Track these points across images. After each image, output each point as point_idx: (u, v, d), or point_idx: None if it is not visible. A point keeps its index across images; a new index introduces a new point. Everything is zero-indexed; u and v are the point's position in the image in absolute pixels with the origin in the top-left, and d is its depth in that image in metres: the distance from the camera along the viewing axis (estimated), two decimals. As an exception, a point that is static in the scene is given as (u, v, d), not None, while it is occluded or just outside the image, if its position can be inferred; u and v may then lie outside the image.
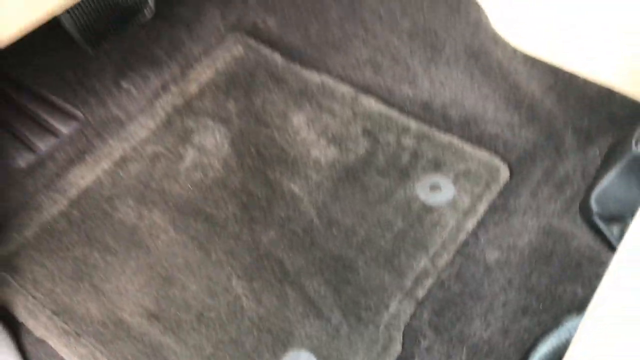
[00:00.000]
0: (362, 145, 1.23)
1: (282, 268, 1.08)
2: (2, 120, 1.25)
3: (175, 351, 1.00)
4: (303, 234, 1.12)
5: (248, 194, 1.17)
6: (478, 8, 1.22)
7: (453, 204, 1.14)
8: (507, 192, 1.12)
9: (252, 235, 1.12)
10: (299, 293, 1.05)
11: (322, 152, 1.22)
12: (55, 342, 1.02)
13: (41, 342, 1.02)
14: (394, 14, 1.30)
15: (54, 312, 1.04)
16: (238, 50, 1.39)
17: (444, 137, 1.23)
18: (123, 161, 1.21)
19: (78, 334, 1.02)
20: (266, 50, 1.38)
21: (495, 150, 1.19)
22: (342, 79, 1.32)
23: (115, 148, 1.23)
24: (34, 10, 0.70)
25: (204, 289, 1.06)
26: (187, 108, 1.29)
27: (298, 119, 1.27)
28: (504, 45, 1.19)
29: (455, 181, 1.17)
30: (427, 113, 1.26)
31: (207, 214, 1.15)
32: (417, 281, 1.05)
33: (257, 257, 1.10)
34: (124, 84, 1.31)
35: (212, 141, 1.24)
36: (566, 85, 1.16)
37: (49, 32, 0.92)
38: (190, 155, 1.23)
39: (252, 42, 1.40)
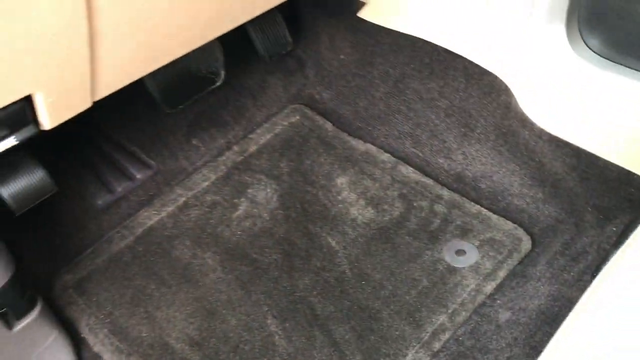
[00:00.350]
0: (397, 209, 1.35)
1: (313, 312, 1.19)
2: (89, 163, 1.43)
3: (210, 376, 1.12)
4: (335, 283, 1.23)
5: (290, 244, 1.30)
6: (508, 92, 1.34)
7: (476, 268, 1.22)
8: (526, 260, 1.20)
9: (290, 280, 1.24)
10: (326, 336, 1.15)
11: (360, 212, 1.35)
12: (109, 358, 1.14)
13: (97, 356, 1.15)
14: (433, 95, 1.43)
15: (111, 332, 1.18)
16: (295, 117, 1.56)
17: (473, 207, 1.32)
18: (185, 206, 1.38)
19: (129, 353, 1.15)
20: (319, 119, 1.54)
21: (519, 222, 1.27)
22: (384, 148, 1.45)
23: (179, 195, 1.40)
24: (129, 76, 0.87)
25: (242, 324, 1.18)
26: (245, 165, 1.46)
27: (341, 181, 1.41)
28: (531, 126, 1.29)
29: (480, 247, 1.25)
30: (459, 184, 1.36)
31: (252, 258, 1.28)
32: (435, 335, 1.13)
33: (292, 300, 1.21)
34: (194, 141, 1.49)
35: (263, 195, 1.40)
36: (588, 166, 1.25)
37: (134, 91, 1.07)
38: (243, 205, 1.38)
39: (308, 111, 1.56)
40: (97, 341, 1.17)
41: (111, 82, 0.84)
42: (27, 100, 0.76)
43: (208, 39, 0.99)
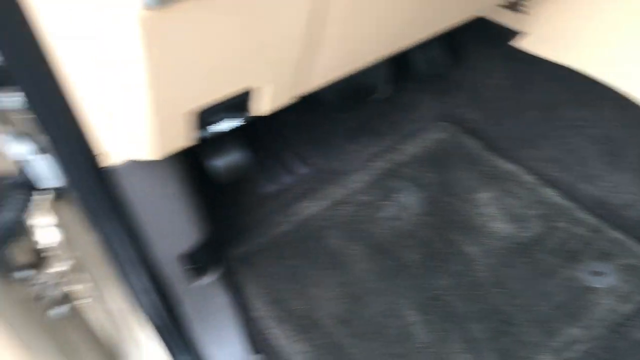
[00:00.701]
0: (537, 227, 1.41)
1: (449, 310, 1.28)
2: (259, 157, 1.64)
3: (351, 352, 1.24)
4: (472, 287, 1.31)
5: (431, 247, 1.40)
6: (661, 125, 1.37)
7: (613, 289, 1.26)
8: (667, 289, 1.23)
9: (429, 279, 1.34)
10: (460, 333, 1.24)
11: (500, 227, 1.43)
12: (265, 322, 1.31)
13: (256, 320, 1.32)
14: (584, 123, 1.48)
15: (269, 301, 1.34)
16: (443, 134, 1.67)
17: (615, 234, 1.36)
18: (338, 202, 1.53)
19: (283, 321, 1.31)
20: (467, 138, 1.64)
21: (662, 252, 1.30)
22: (529, 170, 1.51)
23: (334, 192, 1.56)
24: (325, 78, 1.04)
25: (383, 311, 1.29)
26: (394, 172, 1.59)
27: (483, 196, 1.50)
28: (682, 160, 1.32)
29: (619, 271, 1.29)
30: (602, 210, 1.40)
31: (395, 255, 1.40)
32: (567, 345, 1.18)
33: (430, 297, 1.31)
34: (351, 146, 1.65)
35: (409, 200, 1.52)
36: None
37: (302, 96, 1.24)
38: (389, 208, 1.51)
39: (456, 129, 1.67)
40: (257, 307, 1.34)
41: (312, 83, 1.01)
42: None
43: (388, 53, 1.13)
